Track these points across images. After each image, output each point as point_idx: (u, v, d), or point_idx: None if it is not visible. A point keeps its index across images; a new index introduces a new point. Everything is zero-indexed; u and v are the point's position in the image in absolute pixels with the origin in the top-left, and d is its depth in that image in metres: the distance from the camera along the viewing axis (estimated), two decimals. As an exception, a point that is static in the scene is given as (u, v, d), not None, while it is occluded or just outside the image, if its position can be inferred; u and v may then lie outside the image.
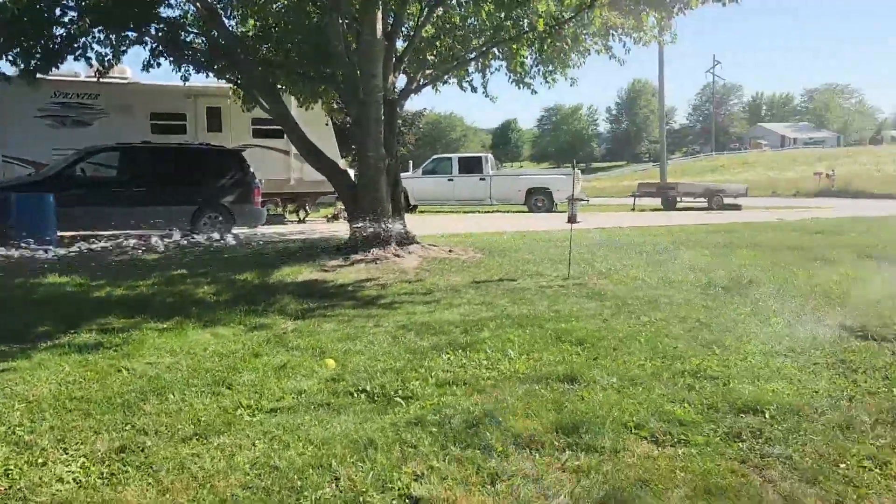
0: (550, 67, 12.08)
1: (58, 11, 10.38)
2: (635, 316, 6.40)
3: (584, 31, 10.55)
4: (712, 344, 5.33)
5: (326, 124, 17.15)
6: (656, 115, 65.49)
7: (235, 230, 13.84)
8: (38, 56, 10.54)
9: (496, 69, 13.14)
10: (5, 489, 3.08)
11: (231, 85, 14.52)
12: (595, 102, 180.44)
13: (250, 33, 12.66)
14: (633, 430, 3.66)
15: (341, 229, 14.76)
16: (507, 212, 21.97)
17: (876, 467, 3.23)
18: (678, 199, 24.16)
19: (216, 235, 13.20)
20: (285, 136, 16.17)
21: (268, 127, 16.51)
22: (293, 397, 4.25)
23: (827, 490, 3.01)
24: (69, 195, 11.85)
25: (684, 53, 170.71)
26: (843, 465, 3.24)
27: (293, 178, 17.45)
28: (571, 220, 9.30)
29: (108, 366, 4.89)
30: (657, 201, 24.69)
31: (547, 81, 12.23)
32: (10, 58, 10.47)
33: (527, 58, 11.45)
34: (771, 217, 17.62)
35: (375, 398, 4.24)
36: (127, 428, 3.76)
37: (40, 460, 3.35)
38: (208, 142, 14.94)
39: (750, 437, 3.57)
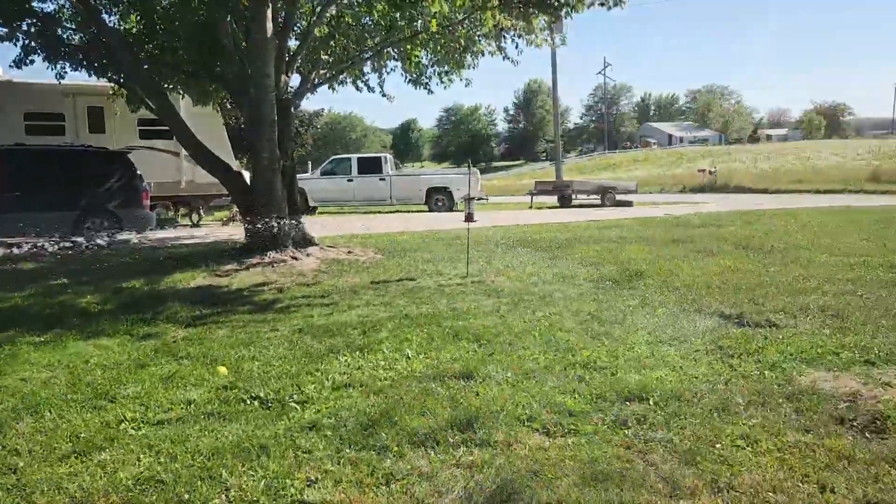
0: (445, 68, 12.18)
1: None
2: (531, 311, 6.56)
3: (477, 33, 10.71)
4: (602, 336, 5.54)
5: (219, 124, 16.63)
6: (552, 115, 67.29)
7: (123, 236, 13.18)
8: None
9: (392, 69, 13.14)
10: None
11: (113, 84, 13.82)
12: (494, 102, 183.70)
13: (134, 30, 12.07)
14: (525, 423, 3.74)
15: (237, 233, 14.33)
16: (408, 211, 22.01)
17: (748, 446, 3.44)
18: (573, 196, 24.93)
19: (102, 242, 12.54)
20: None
21: (156, 127, 15.81)
22: (182, 408, 4.10)
23: (703, 469, 3.19)
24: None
25: (577, 55, 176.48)
26: (718, 446, 3.44)
27: (184, 181, 16.79)
28: (468, 218, 9.40)
29: (-24, 385, 4.55)
30: (554, 199, 25.39)
31: (442, 82, 12.34)
32: None
33: (421, 58, 11.51)
34: (659, 212, 18.47)
35: (269, 404, 4.15)
36: (-5, 450, 3.51)
37: None
38: (90, 143, 14.13)
39: (635, 423, 3.73)
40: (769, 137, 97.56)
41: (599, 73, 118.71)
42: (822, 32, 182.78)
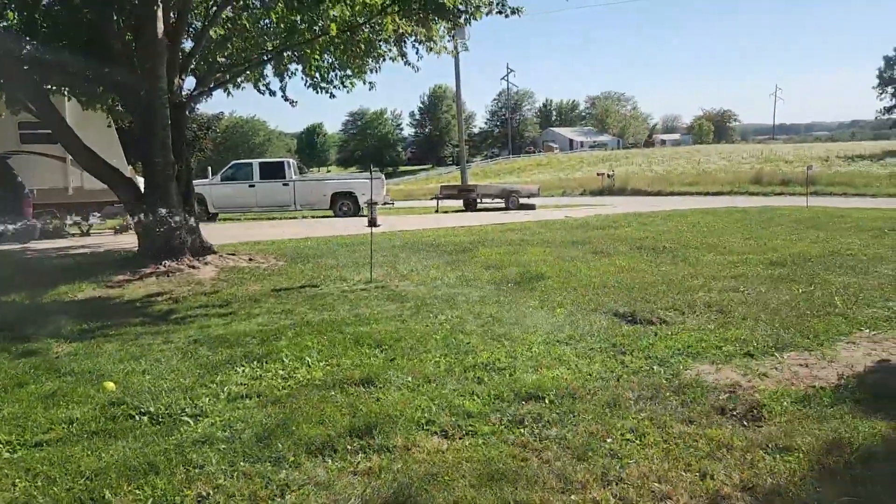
0: (348, 72, 12.10)
1: None
2: (433, 315, 6.60)
3: (378, 38, 10.70)
4: (502, 337, 5.64)
5: (109, 127, 15.84)
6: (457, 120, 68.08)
7: (3, 247, 12.38)
8: None
9: (294, 72, 12.92)
10: None
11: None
12: (400, 107, 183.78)
13: (13, 27, 11.33)
14: (424, 427, 3.76)
15: (131, 241, 13.72)
16: (312, 217, 21.70)
17: (636, 439, 3.59)
18: (478, 200, 25.26)
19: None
20: (61, 141, 14.78)
21: (39, 131, 14.90)
22: (63, 427, 3.88)
23: (594, 464, 3.29)
24: None
25: (481, 61, 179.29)
26: (609, 440, 3.57)
27: (72, 187, 15.93)
28: (372, 223, 9.37)
29: None
30: (459, 203, 25.67)
31: (345, 86, 12.23)
32: None
33: (322, 62, 11.38)
34: (560, 215, 18.99)
35: (160, 419, 3.99)
36: None
37: None
38: (-35, 148, 13.19)
39: (531, 422, 3.82)
40: (663, 142, 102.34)
41: (503, 78, 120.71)
42: (712, 41, 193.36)
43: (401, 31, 10.16)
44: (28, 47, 10.67)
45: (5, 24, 11.44)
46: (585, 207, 23.08)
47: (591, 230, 14.04)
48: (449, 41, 11.47)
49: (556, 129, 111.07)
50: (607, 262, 9.62)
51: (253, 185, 21.74)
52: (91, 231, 17.33)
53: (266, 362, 5.09)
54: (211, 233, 11.85)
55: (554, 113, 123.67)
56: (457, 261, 10.11)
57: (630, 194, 33.06)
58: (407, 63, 11.47)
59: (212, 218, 21.11)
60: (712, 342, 5.34)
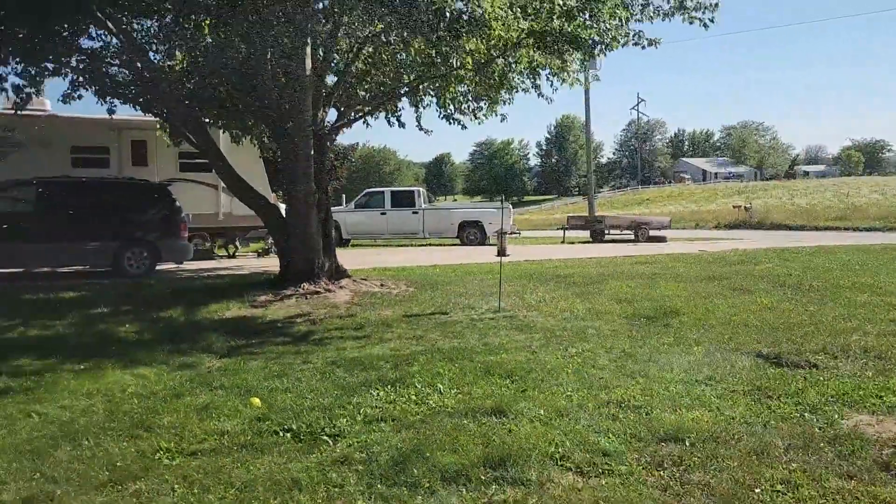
0: (480, 104, 12.32)
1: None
2: (563, 347, 6.51)
3: (512, 70, 10.83)
4: (636, 374, 5.47)
5: (257, 158, 16.95)
6: (585, 150, 67.42)
7: (161, 266, 13.46)
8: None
9: (428, 104, 13.31)
10: None
11: (156, 118, 14.22)
12: (527, 136, 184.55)
13: (178, 67, 12.45)
14: (558, 462, 3.70)
15: (272, 265, 14.52)
16: (440, 245, 22.10)
17: (788, 491, 3.35)
18: (606, 231, 24.79)
19: (140, 272, 12.80)
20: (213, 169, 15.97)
21: (196, 160, 16.20)
22: (215, 439, 4.14)
23: (742, 514, 3.10)
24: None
25: (611, 90, 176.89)
26: (757, 490, 3.36)
27: (222, 213, 17.10)
28: (501, 253, 9.43)
29: (18, 411, 4.65)
30: (586, 234, 25.29)
31: (476, 118, 12.45)
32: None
33: (456, 94, 11.66)
34: (693, 248, 18.27)
35: (301, 437, 4.16)
36: (36, 476, 3.58)
37: (-62, 515, 3.15)
38: (133, 176, 14.52)
39: (671, 465, 3.66)
40: (806, 174, 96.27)
41: (633, 108, 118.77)
42: (860, 67, 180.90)
43: (535, 63, 10.24)
44: (190, 84, 11.70)
45: (170, 63, 12.59)
46: (721, 241, 22.07)
47: (728, 265, 13.39)
48: (581, 72, 11.44)
49: (689, 160, 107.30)
50: (748, 299, 9.12)
51: (384, 213, 22.47)
52: (236, 254, 18.53)
53: (399, 387, 5.20)
54: (344, 258, 12.33)
55: (686, 143, 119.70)
56: (586, 293, 9.93)
57: (769, 228, 31.28)
58: (540, 94, 11.52)
59: (345, 243, 21.96)
60: (871, 390, 4.92)
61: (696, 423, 4.24)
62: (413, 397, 4.95)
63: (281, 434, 4.21)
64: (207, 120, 12.44)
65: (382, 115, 13.49)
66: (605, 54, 9.78)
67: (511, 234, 23.36)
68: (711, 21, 9.66)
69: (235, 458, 3.82)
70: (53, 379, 5.54)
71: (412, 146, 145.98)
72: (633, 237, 24.04)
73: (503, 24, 8.98)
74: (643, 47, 9.78)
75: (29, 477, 3.57)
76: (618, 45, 9.57)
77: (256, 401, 4.83)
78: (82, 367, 6.00)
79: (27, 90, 11.20)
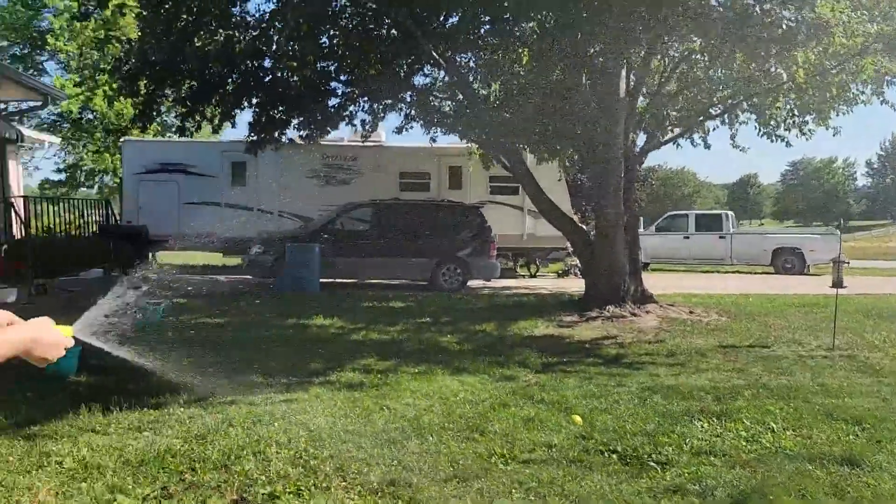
0: (805, 118, 11.25)
1: (332, 85, 11.83)
2: (923, 397, 5.60)
3: (853, 80, 9.70)
4: None
5: (559, 180, 17.40)
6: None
7: (470, 283, 14.46)
8: (315, 123, 12.07)
9: (744, 121, 12.51)
10: (296, 508, 3.45)
11: (471, 145, 15.39)
12: (852, 154, 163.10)
13: (492, 96, 13.34)
14: (937, 530, 3.18)
15: (571, 286, 14.76)
16: (749, 272, 20.48)
17: None
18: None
19: (453, 287, 13.89)
20: (519, 192, 16.74)
21: (503, 184, 17.18)
22: (544, 450, 4.29)
23: None
24: (331, 247, 13.25)
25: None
26: None
27: (526, 234, 17.85)
28: (837, 284, 8.45)
29: (373, 404, 5.30)
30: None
31: (803, 133, 11.36)
32: (294, 126, 12.12)
33: (782, 109, 10.78)
34: None
35: (628, 460, 4.14)
36: (394, 464, 4.04)
37: (324, 484, 3.71)
38: (449, 198, 15.85)
39: None
40: None
41: None
42: None
43: (883, 70, 9.06)
44: (506, 113, 12.44)
45: (485, 93, 13.53)
46: None
47: None
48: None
49: None
50: None
51: (688, 237, 21.51)
52: (537, 274, 19.17)
53: (725, 421, 4.92)
54: (645, 282, 12.03)
55: None
56: (945, 335, 8.45)
57: None
58: (884, 101, 10.16)
59: (644, 267, 21.47)
60: None
61: None
62: (742, 434, 4.63)
63: (607, 454, 4.23)
64: (519, 145, 13.10)
65: (692, 135, 13.01)
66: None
67: (843, 263, 20.84)
68: None
69: (566, 471, 3.92)
70: (395, 379, 6.22)
71: (712, 167, 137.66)
72: None
73: (845, 31, 8.09)
74: None
75: (388, 463, 4.05)
76: None
77: (578, 418, 4.91)
78: (416, 370, 6.64)
79: (370, 124, 12.93)
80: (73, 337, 1.69)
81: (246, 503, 3.49)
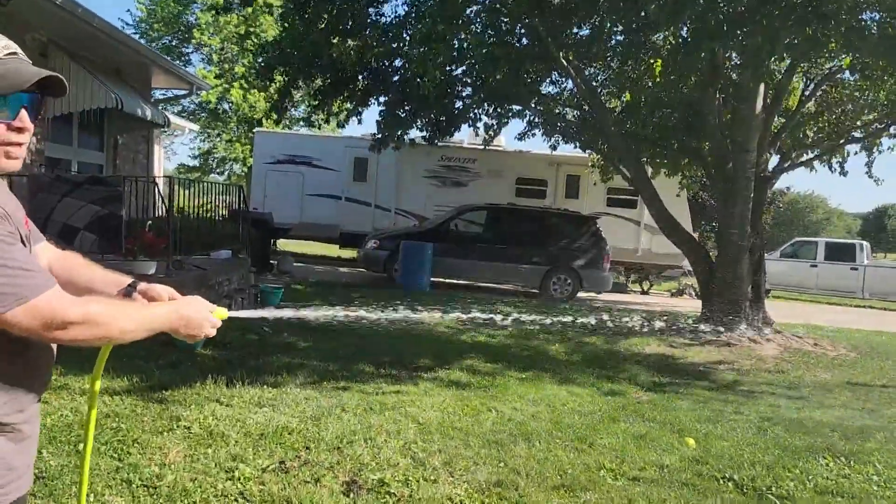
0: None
1: (459, 88, 11.99)
2: None
3: None
4: None
5: (678, 195, 16.84)
6: None
7: (581, 294, 14.26)
8: (438, 125, 12.29)
9: (889, 148, 11.70)
10: (406, 496, 3.54)
11: (592, 155, 15.18)
12: None
13: (618, 108, 13.11)
14: None
15: (685, 306, 14.28)
16: (884, 308, 19.06)
17: None
18: None
19: (563, 297, 13.75)
20: (637, 206, 16.36)
21: (621, 197, 16.86)
22: (654, 470, 4.19)
23: None
24: (443, 247, 13.44)
25: None
26: None
27: (641, 249, 17.41)
28: None
29: (480, 404, 5.36)
30: None
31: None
32: (418, 126, 12.39)
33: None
34: None
35: (744, 490, 3.97)
36: (501, 465, 4.06)
37: (432, 478, 3.79)
38: (565, 207, 15.70)
39: None
40: None
41: None
42: None
43: None
44: (631, 124, 12.19)
45: (611, 105, 13.31)
46: None
47: None
48: None
49: None
50: None
51: (815, 266, 20.28)
52: (650, 290, 18.66)
53: (853, 462, 4.62)
54: (767, 309, 11.44)
55: None
56: None
57: None
58: None
59: (766, 293, 20.42)
60: None
61: None
62: (874, 477, 4.34)
63: (721, 482, 4.07)
64: (643, 158, 12.80)
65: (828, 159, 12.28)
66: None
67: None
68: None
69: (678, 494, 3.81)
70: (502, 382, 6.24)
71: (844, 194, 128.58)
72: None
73: None
74: None
75: (496, 463, 4.08)
76: None
77: (692, 441, 4.76)
78: (524, 375, 6.65)
79: (493, 128, 13.01)
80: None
81: (357, 486, 3.61)
